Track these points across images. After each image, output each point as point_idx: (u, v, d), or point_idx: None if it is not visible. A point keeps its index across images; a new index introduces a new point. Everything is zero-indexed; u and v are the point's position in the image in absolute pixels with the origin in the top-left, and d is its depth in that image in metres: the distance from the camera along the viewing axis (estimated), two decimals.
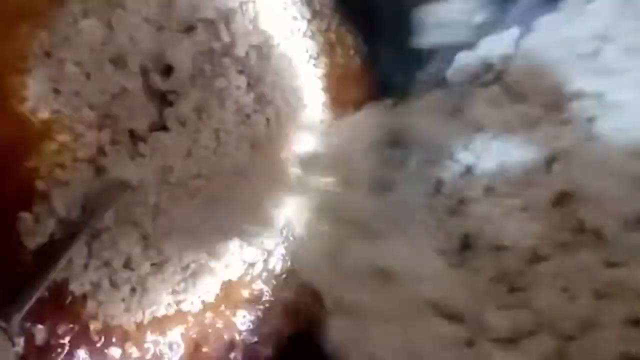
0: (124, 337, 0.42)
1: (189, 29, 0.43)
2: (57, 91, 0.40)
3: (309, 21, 0.50)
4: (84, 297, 0.41)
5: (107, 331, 0.42)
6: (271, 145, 0.45)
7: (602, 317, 0.36)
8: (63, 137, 0.40)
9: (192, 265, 0.44)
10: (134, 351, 0.42)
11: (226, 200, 0.44)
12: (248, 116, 0.44)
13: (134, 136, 0.42)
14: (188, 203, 0.43)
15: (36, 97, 0.39)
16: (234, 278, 0.46)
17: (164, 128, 0.43)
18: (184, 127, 0.43)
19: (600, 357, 0.35)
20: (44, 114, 0.39)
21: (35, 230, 0.39)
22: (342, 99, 0.51)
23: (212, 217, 0.44)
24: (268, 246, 0.46)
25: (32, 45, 0.39)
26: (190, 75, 0.44)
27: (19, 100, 0.39)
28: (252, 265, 0.46)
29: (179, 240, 0.43)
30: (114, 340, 0.42)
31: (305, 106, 0.47)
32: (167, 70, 0.43)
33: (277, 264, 0.47)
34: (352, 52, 0.53)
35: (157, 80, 0.43)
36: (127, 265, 0.42)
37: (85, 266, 0.41)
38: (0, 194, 0.38)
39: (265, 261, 0.47)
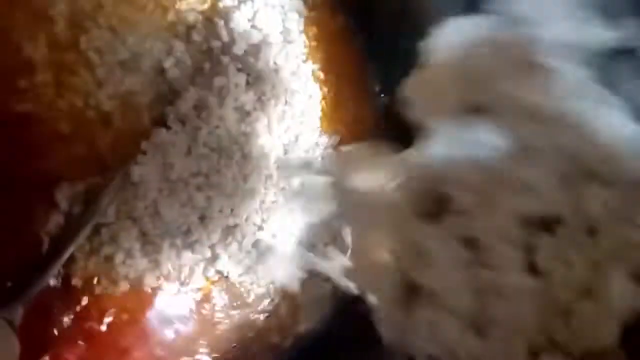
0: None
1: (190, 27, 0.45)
2: None
3: (306, 18, 0.51)
4: (85, 291, 0.43)
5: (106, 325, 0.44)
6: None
7: (603, 279, 0.36)
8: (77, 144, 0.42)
9: (188, 264, 0.46)
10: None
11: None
12: (248, 114, 0.46)
13: (135, 134, 0.43)
14: (187, 201, 0.44)
15: None
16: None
17: (165, 126, 0.44)
18: (184, 125, 0.45)
19: (605, 317, 0.35)
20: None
21: (45, 224, 0.41)
22: (340, 94, 0.53)
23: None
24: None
25: None
26: (190, 74, 0.45)
27: None
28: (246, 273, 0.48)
29: (176, 239, 0.45)
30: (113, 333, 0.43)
31: (305, 102, 0.49)
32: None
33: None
34: (349, 48, 0.54)
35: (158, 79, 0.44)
36: (125, 261, 0.44)
37: (86, 261, 0.43)
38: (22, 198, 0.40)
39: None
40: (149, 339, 0.45)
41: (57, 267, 0.38)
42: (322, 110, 0.51)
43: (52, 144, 0.42)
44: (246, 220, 0.46)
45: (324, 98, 0.51)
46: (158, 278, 0.45)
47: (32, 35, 0.41)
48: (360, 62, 0.55)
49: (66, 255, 0.39)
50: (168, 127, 0.44)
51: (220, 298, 0.47)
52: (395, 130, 0.51)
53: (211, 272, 0.46)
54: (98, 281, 0.43)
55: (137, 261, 0.44)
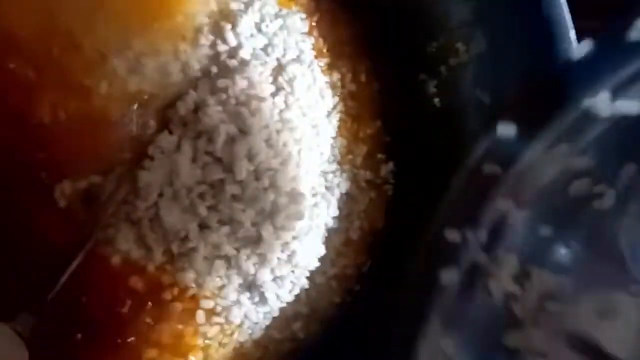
0: None
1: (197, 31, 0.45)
2: None
3: (314, 23, 0.52)
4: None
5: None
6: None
7: None
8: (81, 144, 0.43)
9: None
10: None
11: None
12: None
13: (141, 137, 0.45)
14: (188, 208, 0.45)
15: None
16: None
17: (170, 130, 0.45)
18: (185, 128, 0.45)
19: None
20: None
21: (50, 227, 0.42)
22: (349, 92, 0.54)
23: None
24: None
25: None
26: (196, 78, 0.46)
27: None
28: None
29: (173, 245, 0.46)
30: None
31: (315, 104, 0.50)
32: None
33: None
34: (356, 51, 0.55)
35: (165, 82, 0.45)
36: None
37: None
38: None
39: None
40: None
41: (66, 276, 0.39)
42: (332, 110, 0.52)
43: (58, 143, 0.43)
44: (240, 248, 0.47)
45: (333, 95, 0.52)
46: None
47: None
48: (369, 64, 0.56)
49: (75, 264, 0.39)
50: (172, 132, 0.45)
51: None
52: None
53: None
54: None
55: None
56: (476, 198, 0.37)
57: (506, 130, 0.36)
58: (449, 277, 0.37)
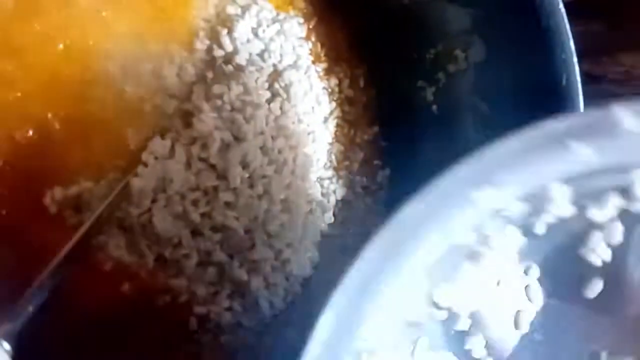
0: None
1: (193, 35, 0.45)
2: None
3: (312, 27, 0.51)
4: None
5: None
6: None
7: None
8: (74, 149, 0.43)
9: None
10: None
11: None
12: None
13: (135, 143, 0.44)
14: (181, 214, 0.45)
15: None
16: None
17: (163, 136, 0.45)
18: (179, 134, 0.45)
19: None
20: None
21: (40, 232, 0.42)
22: (346, 97, 0.54)
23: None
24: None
25: None
26: (192, 82, 0.46)
27: None
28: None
29: (165, 251, 0.45)
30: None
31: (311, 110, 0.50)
32: None
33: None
34: (353, 55, 0.55)
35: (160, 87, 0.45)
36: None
37: None
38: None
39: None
40: None
41: (56, 282, 0.39)
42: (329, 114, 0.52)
43: (50, 148, 0.43)
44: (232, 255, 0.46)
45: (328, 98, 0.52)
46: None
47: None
48: (364, 69, 0.56)
49: (66, 270, 0.39)
50: (165, 137, 0.45)
51: None
52: None
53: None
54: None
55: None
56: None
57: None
58: None
